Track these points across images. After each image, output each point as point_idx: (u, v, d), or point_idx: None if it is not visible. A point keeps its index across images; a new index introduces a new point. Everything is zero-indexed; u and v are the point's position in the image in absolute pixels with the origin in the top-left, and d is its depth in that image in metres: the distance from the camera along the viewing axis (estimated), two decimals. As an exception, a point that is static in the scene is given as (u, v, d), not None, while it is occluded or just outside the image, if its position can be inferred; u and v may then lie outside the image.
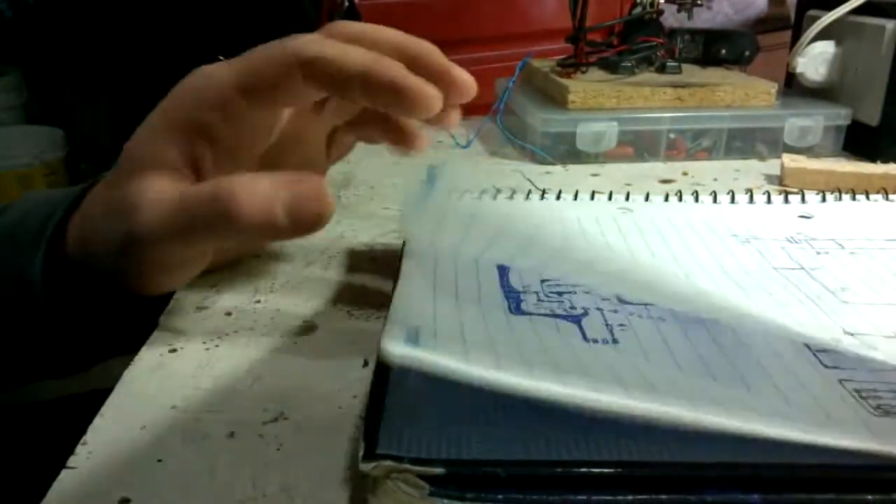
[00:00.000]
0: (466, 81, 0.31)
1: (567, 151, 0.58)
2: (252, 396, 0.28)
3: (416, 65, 0.30)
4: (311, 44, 0.29)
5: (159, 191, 0.29)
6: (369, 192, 0.51)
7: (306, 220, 0.27)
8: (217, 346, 0.31)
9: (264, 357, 0.30)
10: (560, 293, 0.30)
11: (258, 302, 0.35)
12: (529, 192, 0.41)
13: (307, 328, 0.32)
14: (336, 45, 0.29)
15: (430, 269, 0.30)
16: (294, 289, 0.36)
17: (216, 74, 0.30)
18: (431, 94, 0.28)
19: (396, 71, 0.28)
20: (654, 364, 0.24)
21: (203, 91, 0.30)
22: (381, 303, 0.34)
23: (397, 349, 0.21)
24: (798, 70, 0.61)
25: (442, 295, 0.28)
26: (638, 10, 0.62)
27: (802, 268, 0.33)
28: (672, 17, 0.68)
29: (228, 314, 0.34)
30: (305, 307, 0.34)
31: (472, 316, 0.27)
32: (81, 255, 0.32)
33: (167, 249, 0.30)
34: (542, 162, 0.58)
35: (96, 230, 0.31)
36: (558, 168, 0.58)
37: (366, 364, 0.30)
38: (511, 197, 0.41)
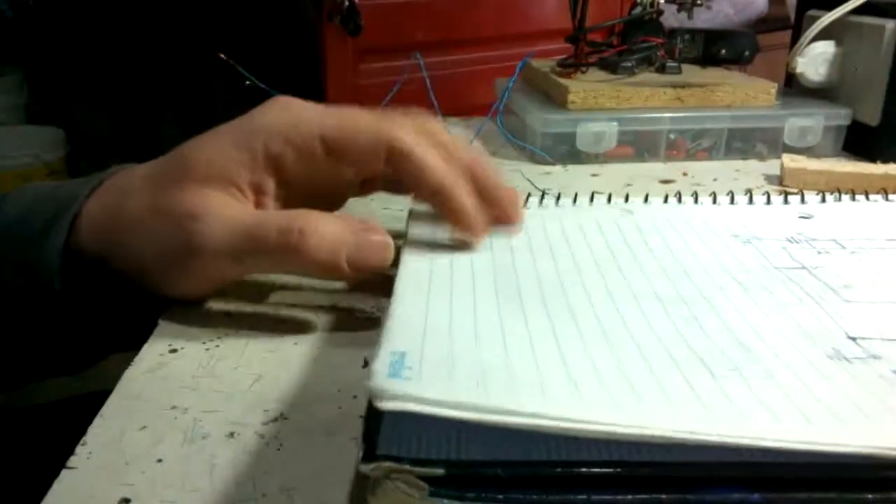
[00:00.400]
0: (516, 208, 0.36)
1: (567, 152, 0.58)
2: (252, 397, 0.28)
3: (477, 185, 0.34)
4: (407, 137, 0.32)
5: (227, 208, 0.31)
6: (369, 193, 0.51)
7: (365, 268, 0.30)
8: (217, 346, 0.31)
9: (264, 357, 0.30)
10: (558, 294, 0.30)
11: (258, 302, 0.35)
12: (528, 195, 0.41)
13: (307, 328, 0.32)
14: (428, 150, 0.32)
15: (424, 280, 0.30)
16: (294, 289, 0.36)
17: (308, 118, 0.32)
18: (484, 232, 0.34)
19: (466, 200, 0.33)
20: (648, 361, 0.24)
21: (290, 129, 0.32)
22: (381, 303, 0.34)
23: (377, 382, 0.21)
24: (798, 70, 0.61)
25: (435, 306, 0.28)
26: (638, 10, 0.62)
27: (804, 267, 0.33)
28: (672, 17, 0.68)
29: (228, 314, 0.34)
30: (305, 307, 0.34)
31: (463, 323, 0.26)
32: (96, 249, 0.32)
33: (223, 265, 0.31)
34: (542, 162, 0.58)
35: (140, 230, 0.31)
36: (558, 168, 0.58)
37: (366, 364, 0.30)
38: None
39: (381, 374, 0.21)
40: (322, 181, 0.33)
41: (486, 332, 0.26)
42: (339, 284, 0.36)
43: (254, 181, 0.32)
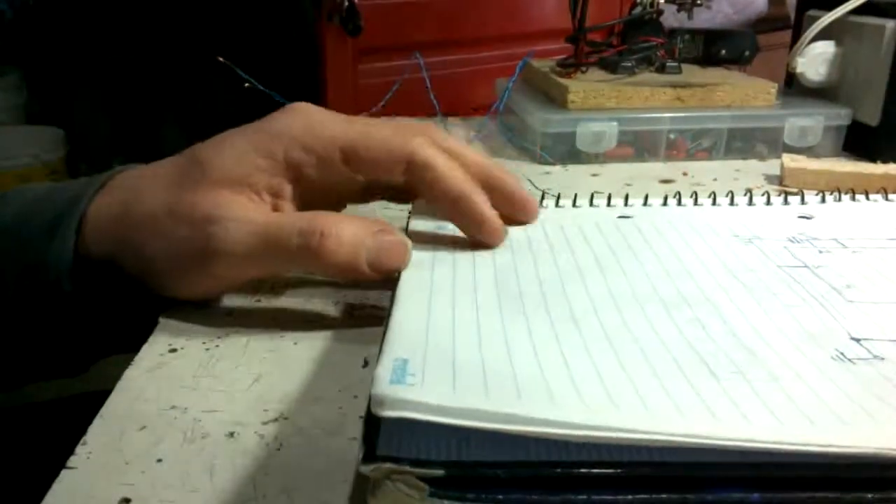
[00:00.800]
0: (533, 207, 0.37)
1: (567, 151, 0.58)
2: (252, 397, 0.28)
3: (493, 188, 0.35)
4: (425, 148, 0.33)
5: (245, 211, 0.31)
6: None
7: (384, 270, 0.31)
8: (217, 346, 0.31)
9: (264, 357, 0.30)
10: (560, 297, 0.30)
11: (258, 302, 0.35)
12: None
13: (307, 328, 0.32)
14: (446, 160, 0.33)
15: (426, 284, 0.30)
16: (294, 288, 0.36)
17: (329, 127, 0.33)
18: (502, 235, 0.35)
19: (485, 208, 0.34)
20: (652, 365, 0.24)
21: (312, 138, 0.33)
22: (382, 302, 0.34)
23: (380, 389, 0.20)
24: (798, 70, 0.61)
25: (437, 312, 0.27)
26: (638, 9, 0.62)
27: (806, 266, 0.32)
28: (672, 17, 0.68)
29: (229, 314, 0.34)
30: (306, 307, 0.34)
31: (465, 329, 0.26)
32: (103, 250, 0.32)
33: (242, 267, 0.32)
34: (543, 162, 0.58)
35: (154, 231, 0.32)
36: (558, 168, 0.58)
37: (366, 364, 0.30)
38: None
39: (383, 381, 0.21)
40: (335, 185, 0.34)
41: (489, 338, 0.26)
42: (340, 282, 0.36)
43: (271, 185, 0.32)
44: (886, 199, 0.41)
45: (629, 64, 0.63)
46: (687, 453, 0.19)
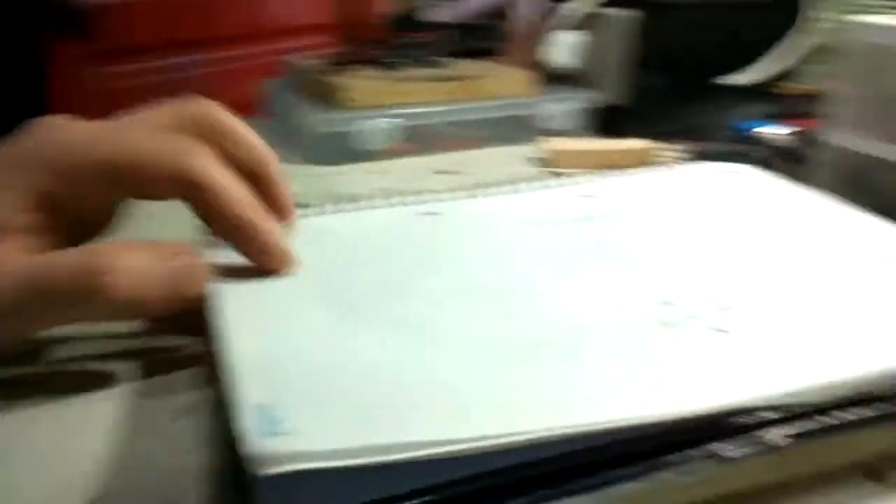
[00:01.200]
0: (291, 209, 0.34)
1: (344, 151, 0.57)
2: (54, 483, 0.23)
3: (260, 183, 0.31)
4: (202, 166, 0.28)
5: (6, 260, 0.26)
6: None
7: (181, 300, 0.27)
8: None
9: (57, 432, 0.25)
10: (395, 300, 0.29)
11: (30, 364, 0.29)
12: (323, 205, 0.39)
13: (98, 386, 0.28)
14: (227, 181, 0.29)
15: (248, 311, 0.27)
16: (70, 342, 0.31)
17: (84, 147, 0.28)
18: (287, 263, 0.31)
19: (268, 237, 0.30)
20: (508, 361, 0.24)
21: (64, 163, 0.28)
22: (177, 343, 0.30)
23: (253, 446, 0.18)
24: (549, 58, 0.66)
25: (276, 343, 0.25)
26: (403, 6, 0.62)
27: (603, 241, 0.34)
28: (435, 13, 0.69)
29: (-4, 384, 0.28)
30: (92, 363, 0.30)
31: (315, 357, 0.24)
32: None
33: (11, 325, 0.26)
34: (320, 163, 0.56)
35: None
36: (337, 168, 0.56)
37: (180, 414, 0.26)
38: (304, 213, 0.38)
39: (253, 436, 0.18)
40: (103, 207, 0.30)
41: (343, 362, 0.24)
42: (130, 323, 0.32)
43: (28, 224, 0.27)
44: (649, 170, 0.46)
45: (399, 60, 0.63)
46: (565, 442, 0.19)
